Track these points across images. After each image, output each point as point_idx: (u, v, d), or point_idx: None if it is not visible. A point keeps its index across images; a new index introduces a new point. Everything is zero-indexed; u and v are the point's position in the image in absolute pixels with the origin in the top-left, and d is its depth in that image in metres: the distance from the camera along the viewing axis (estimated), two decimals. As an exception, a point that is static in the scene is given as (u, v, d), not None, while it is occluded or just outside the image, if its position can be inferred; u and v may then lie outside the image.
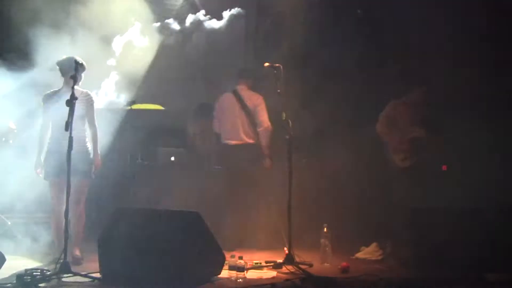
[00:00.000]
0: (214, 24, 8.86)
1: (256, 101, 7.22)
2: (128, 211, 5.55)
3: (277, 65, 6.32)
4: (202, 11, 8.85)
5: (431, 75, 7.19)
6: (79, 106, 5.69)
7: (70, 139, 5.36)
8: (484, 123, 7.09)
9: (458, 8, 7.38)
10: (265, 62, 6.41)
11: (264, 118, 7.14)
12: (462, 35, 7.36)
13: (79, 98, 5.66)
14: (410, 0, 7.67)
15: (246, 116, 7.22)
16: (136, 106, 7.93)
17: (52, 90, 6.20)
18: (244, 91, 7.33)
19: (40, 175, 6.08)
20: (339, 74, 7.94)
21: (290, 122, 6.17)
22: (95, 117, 6.21)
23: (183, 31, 8.77)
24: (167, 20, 8.77)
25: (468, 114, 7.14)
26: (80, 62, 5.83)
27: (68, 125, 5.29)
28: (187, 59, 8.77)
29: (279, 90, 6.24)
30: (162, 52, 8.45)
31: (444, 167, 7.31)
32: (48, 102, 6.08)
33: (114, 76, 7.91)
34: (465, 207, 6.21)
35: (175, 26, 8.75)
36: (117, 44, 8.05)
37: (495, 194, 6.69)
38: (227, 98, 7.39)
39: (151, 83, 8.32)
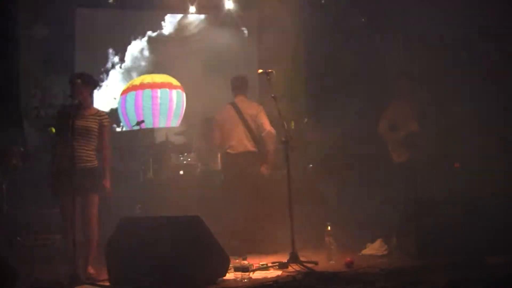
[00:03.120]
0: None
1: (256, 110, 7.37)
2: (132, 220, 5.73)
3: (269, 70, 6.50)
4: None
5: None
6: (86, 123, 5.90)
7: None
8: (482, 113, 7.19)
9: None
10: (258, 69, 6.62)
11: (265, 122, 7.26)
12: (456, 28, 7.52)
13: (89, 117, 5.92)
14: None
15: (245, 127, 7.33)
16: (148, 77, 8.10)
17: (64, 105, 6.26)
18: (243, 102, 7.47)
19: None
20: (340, 76, 8.13)
21: (286, 125, 6.35)
22: (108, 139, 6.21)
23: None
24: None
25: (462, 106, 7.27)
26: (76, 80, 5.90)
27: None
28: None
29: (273, 95, 6.41)
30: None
31: (456, 165, 7.43)
32: (60, 116, 6.05)
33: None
34: (460, 195, 6.32)
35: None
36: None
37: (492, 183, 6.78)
38: (226, 110, 7.51)
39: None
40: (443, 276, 4.92)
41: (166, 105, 8.46)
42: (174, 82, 8.47)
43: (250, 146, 7.31)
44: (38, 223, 7.02)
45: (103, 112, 6.26)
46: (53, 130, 7.73)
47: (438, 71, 7.47)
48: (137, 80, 8.50)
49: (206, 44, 9.58)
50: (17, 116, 8.99)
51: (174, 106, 8.46)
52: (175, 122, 8.59)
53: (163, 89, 8.33)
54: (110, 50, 10.03)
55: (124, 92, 8.47)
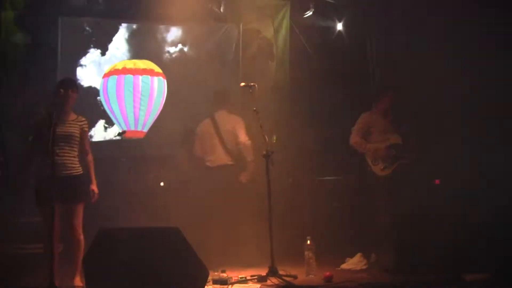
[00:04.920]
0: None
1: (233, 123, 7.45)
2: (111, 231, 5.65)
3: (252, 84, 6.53)
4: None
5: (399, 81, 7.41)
6: (68, 129, 5.83)
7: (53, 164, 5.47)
8: (463, 126, 7.26)
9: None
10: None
11: (240, 135, 7.36)
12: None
13: (70, 122, 5.85)
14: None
15: (222, 142, 7.42)
16: (130, 62, 8.17)
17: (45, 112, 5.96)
18: (222, 116, 7.54)
19: None
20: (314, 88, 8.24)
21: (267, 138, 6.37)
22: (89, 143, 6.16)
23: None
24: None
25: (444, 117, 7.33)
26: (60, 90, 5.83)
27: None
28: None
29: (255, 108, 6.43)
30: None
31: (436, 181, 7.45)
32: (40, 124, 5.84)
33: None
34: (439, 212, 6.35)
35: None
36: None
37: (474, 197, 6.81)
38: (206, 124, 7.63)
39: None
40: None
41: (147, 93, 8.43)
42: (156, 69, 8.47)
43: (227, 160, 7.40)
44: (17, 232, 6.92)
45: (82, 117, 6.13)
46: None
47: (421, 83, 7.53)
48: (119, 64, 8.44)
49: (187, 56, 9.58)
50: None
51: (155, 94, 8.44)
52: (155, 111, 8.53)
53: (144, 76, 8.30)
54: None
55: (106, 76, 8.44)
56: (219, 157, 7.42)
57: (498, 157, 6.98)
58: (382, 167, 7.02)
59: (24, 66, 8.92)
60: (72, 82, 6.09)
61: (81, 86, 8.85)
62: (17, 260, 6.67)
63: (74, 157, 5.94)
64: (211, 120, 7.58)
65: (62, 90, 5.85)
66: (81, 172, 6.00)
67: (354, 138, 7.19)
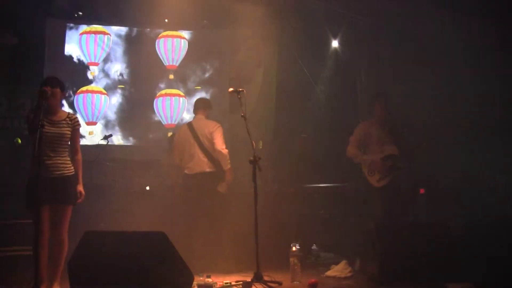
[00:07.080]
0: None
1: (212, 128, 7.25)
2: (97, 234, 5.64)
3: (240, 89, 6.50)
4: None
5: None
6: (60, 129, 5.68)
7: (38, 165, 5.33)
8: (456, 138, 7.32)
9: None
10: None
11: (217, 142, 7.14)
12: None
13: (61, 122, 5.70)
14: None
15: (200, 147, 7.21)
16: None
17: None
18: (200, 121, 7.38)
19: None
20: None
21: (254, 144, 6.34)
22: (79, 142, 5.96)
23: None
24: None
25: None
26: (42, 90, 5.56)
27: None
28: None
29: (242, 114, 6.40)
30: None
31: (421, 190, 7.48)
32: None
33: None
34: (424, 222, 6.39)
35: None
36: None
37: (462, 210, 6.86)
38: (183, 130, 7.46)
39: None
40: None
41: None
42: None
43: (206, 167, 7.18)
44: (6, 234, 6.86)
45: (73, 115, 5.96)
46: (19, 140, 7.62)
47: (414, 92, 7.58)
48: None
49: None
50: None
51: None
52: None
53: None
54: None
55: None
56: (198, 164, 7.19)
57: (482, 168, 7.04)
58: (377, 179, 7.04)
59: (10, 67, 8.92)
60: (50, 79, 5.81)
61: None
62: (5, 262, 6.65)
63: (65, 157, 5.78)
64: (187, 126, 7.42)
65: (41, 90, 5.58)
66: (73, 172, 5.81)
67: (350, 149, 7.22)
